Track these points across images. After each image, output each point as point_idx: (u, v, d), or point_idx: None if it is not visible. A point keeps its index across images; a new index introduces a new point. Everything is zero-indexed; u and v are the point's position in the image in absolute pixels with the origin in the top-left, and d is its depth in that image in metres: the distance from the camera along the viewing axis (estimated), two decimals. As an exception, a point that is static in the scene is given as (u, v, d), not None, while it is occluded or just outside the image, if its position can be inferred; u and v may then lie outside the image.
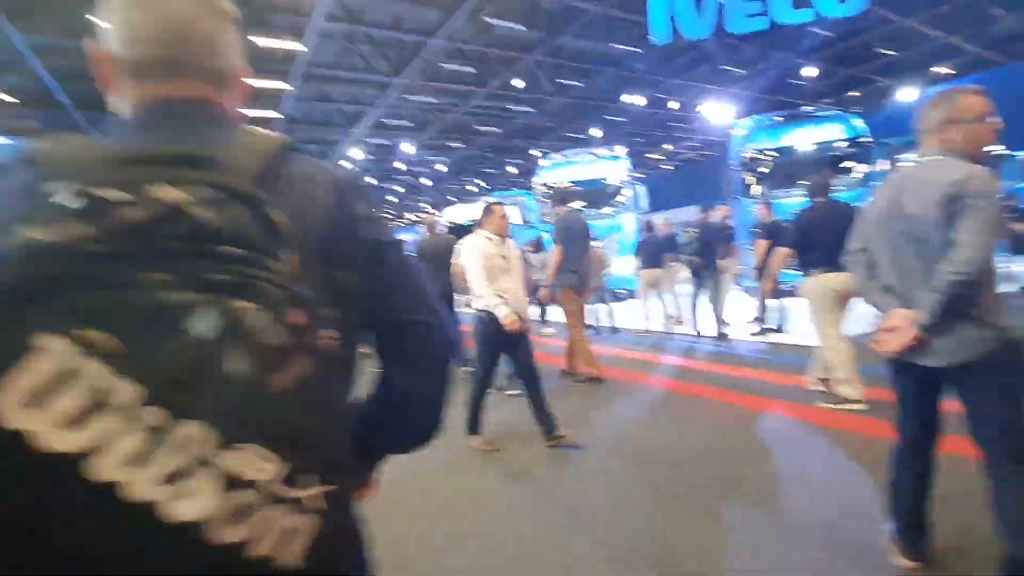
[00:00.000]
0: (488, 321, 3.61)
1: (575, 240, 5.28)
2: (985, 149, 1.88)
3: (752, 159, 10.16)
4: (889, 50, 17.29)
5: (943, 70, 18.83)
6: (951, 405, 1.93)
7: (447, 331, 0.81)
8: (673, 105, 19.75)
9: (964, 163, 1.82)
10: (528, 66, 15.76)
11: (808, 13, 8.07)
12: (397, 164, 25.91)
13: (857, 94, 20.63)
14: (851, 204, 4.38)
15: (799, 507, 2.73)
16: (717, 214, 7.45)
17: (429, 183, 31.37)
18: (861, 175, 9.54)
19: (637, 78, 17.40)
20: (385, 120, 19.17)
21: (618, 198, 11.83)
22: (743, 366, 5.71)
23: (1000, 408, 1.75)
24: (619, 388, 5.22)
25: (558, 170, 12.40)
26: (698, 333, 7.45)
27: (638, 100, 17.62)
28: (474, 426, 3.79)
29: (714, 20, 8.24)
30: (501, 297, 3.59)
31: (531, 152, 24.71)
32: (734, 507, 2.76)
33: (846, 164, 9.75)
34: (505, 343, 3.69)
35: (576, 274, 5.28)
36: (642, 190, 11.70)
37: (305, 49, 12.00)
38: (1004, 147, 12.12)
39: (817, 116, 10.30)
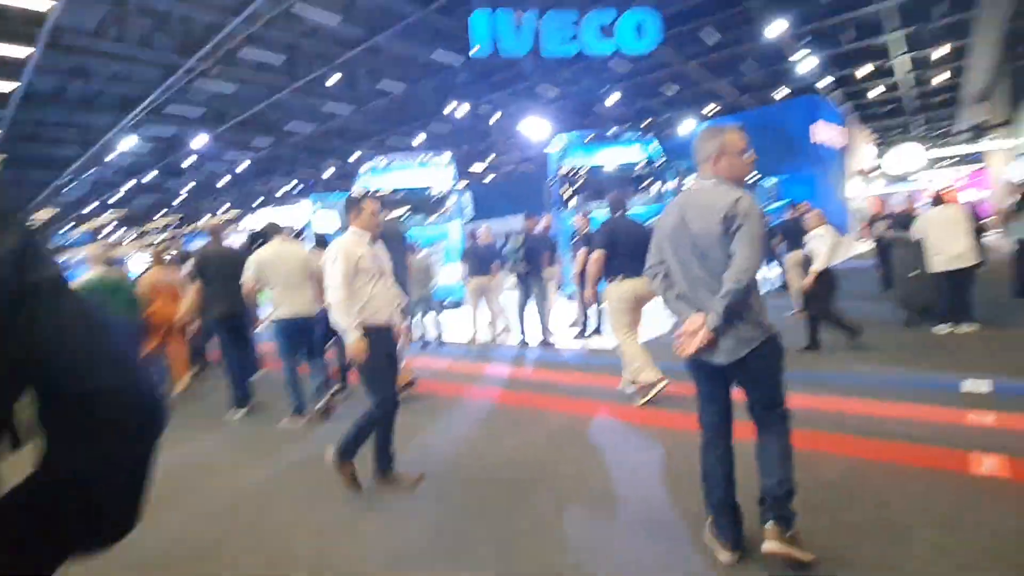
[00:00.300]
0: (376, 339, 3.07)
1: (390, 249, 4.84)
2: (746, 177, 2.29)
3: (568, 173, 10.71)
4: (673, 87, 19.97)
5: (711, 110, 22.40)
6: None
7: (141, 395, 0.66)
8: (494, 117, 20.29)
9: (734, 188, 2.18)
10: (345, 63, 14.79)
11: (611, 45, 8.77)
12: (187, 159, 22.46)
13: (647, 122, 23.55)
14: (642, 220, 4.91)
15: (633, 508, 2.80)
16: (541, 223, 7.59)
17: (226, 183, 27.83)
18: (656, 193, 10.70)
19: (459, 88, 17.52)
20: (171, 108, 16.40)
21: (444, 206, 11.60)
22: (569, 371, 5.76)
23: (769, 388, 2.20)
24: (449, 403, 4.93)
25: (382, 175, 11.74)
26: (525, 341, 7.46)
27: (461, 110, 17.64)
28: (350, 452, 3.13)
29: (531, 41, 8.54)
30: (359, 317, 3.06)
31: (351, 156, 23.39)
32: (570, 515, 2.78)
33: (645, 182, 10.86)
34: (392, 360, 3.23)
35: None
36: (467, 198, 11.59)
37: (53, 2, 9.51)
38: (758, 175, 14.82)
39: (622, 138, 11.28)
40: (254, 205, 31.79)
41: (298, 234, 17.01)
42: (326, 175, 26.66)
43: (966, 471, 2.82)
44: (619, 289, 4.42)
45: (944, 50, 18.12)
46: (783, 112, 16.64)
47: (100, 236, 40.88)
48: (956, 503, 2.53)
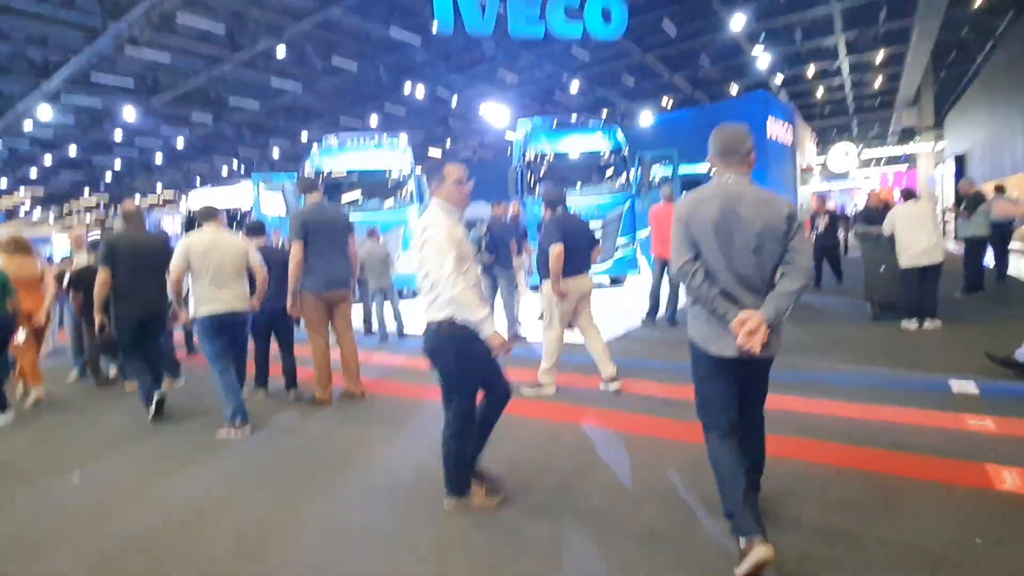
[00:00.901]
0: (469, 336, 2.51)
1: (322, 237, 4.44)
2: None
3: (534, 159, 10.41)
4: (631, 78, 20.02)
5: (666, 102, 22.66)
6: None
7: None
8: (453, 101, 19.72)
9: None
10: (295, 37, 13.91)
11: (578, 28, 8.54)
12: (117, 133, 20.73)
13: (605, 112, 23.60)
14: (605, 209, 4.75)
15: (628, 522, 2.52)
16: (508, 211, 7.22)
17: (163, 161, 25.98)
18: (621, 181, 10.58)
19: (416, 69, 16.89)
20: (96, 76, 14.99)
21: (402, 190, 11.05)
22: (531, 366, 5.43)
23: (766, 384, 2.36)
24: (412, 407, 4.46)
25: (335, 156, 11.04)
26: None
27: (418, 91, 16.99)
28: (461, 483, 2.66)
29: (494, 20, 8.18)
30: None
31: (302, 135, 22.25)
32: (555, 531, 2.45)
33: (608, 171, 10.73)
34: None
35: (325, 278, 4.47)
36: (426, 182, 11.04)
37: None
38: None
39: (587, 125, 11.08)
40: (194, 186, 29.90)
41: (242, 217, 16.03)
42: (274, 155, 25.32)
43: (991, 487, 2.55)
44: (564, 286, 4.38)
45: (883, 55, 19.01)
46: (737, 107, 16.92)
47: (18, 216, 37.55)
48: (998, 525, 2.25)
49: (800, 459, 2.92)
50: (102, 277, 4.34)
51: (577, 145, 10.56)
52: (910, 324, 5.61)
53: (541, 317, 7.42)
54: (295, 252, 4.34)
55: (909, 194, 5.68)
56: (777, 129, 17.16)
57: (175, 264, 4.08)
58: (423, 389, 4.88)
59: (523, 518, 2.58)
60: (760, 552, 1.91)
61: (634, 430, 3.60)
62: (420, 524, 2.62)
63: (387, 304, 7.62)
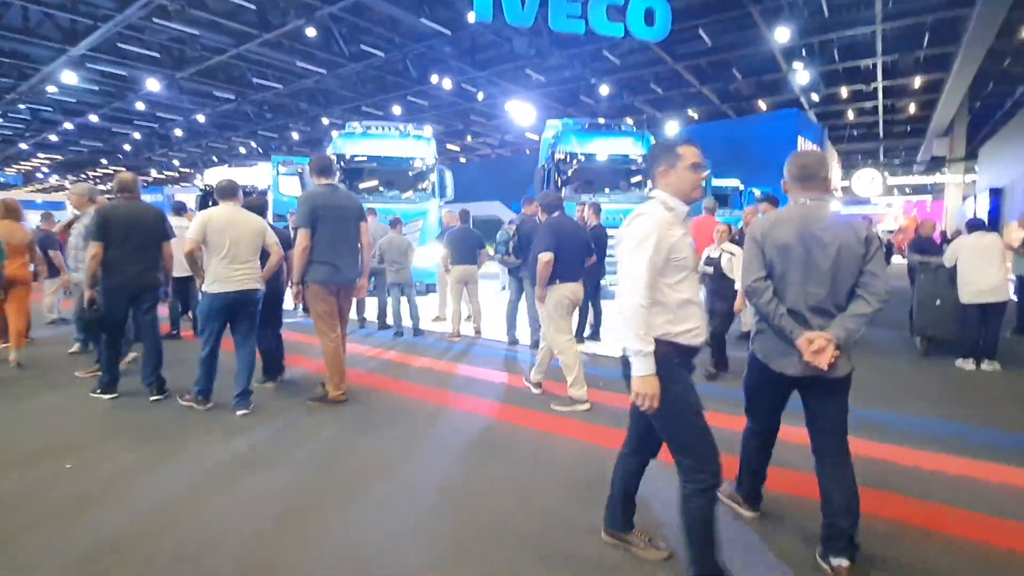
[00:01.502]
0: (682, 367, 2.08)
1: (333, 224, 4.16)
2: None
3: (564, 159, 9.98)
4: (659, 87, 19.66)
5: (695, 114, 22.27)
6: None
7: None
8: (477, 97, 19.42)
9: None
10: (324, 19, 13.64)
11: (619, 28, 8.22)
12: (138, 105, 20.58)
13: (631, 120, 23.22)
14: (575, 221, 4.84)
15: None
16: (540, 209, 6.83)
17: (181, 134, 25.83)
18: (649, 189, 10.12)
19: (443, 61, 16.60)
20: (122, 44, 14.81)
21: (424, 182, 10.73)
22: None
23: (840, 410, 2.27)
24: (433, 416, 4.15)
25: (356, 141, 10.66)
26: (515, 339, 6.63)
27: (442, 84, 16.69)
28: (713, 569, 2.02)
29: (535, 12, 7.90)
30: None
31: (322, 120, 22.01)
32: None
33: (635, 178, 10.38)
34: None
35: (332, 267, 4.17)
36: (449, 176, 10.71)
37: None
38: (741, 184, 14.69)
39: (620, 128, 10.69)
40: (212, 163, 29.81)
41: (259, 195, 15.78)
42: (294, 137, 25.14)
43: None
44: (558, 293, 4.31)
45: (921, 81, 18.55)
46: (768, 123, 16.57)
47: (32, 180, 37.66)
48: None
49: (878, 514, 2.58)
50: (93, 250, 4.12)
51: (609, 148, 10.19)
52: (966, 364, 5.23)
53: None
54: (302, 239, 4.07)
55: (976, 225, 5.25)
56: (808, 148, 16.81)
57: (192, 235, 3.94)
58: (446, 396, 4.63)
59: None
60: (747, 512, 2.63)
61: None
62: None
63: (403, 299, 7.33)
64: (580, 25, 8.07)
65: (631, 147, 10.21)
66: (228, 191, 4.20)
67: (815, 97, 19.50)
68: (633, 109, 21.75)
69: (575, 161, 9.88)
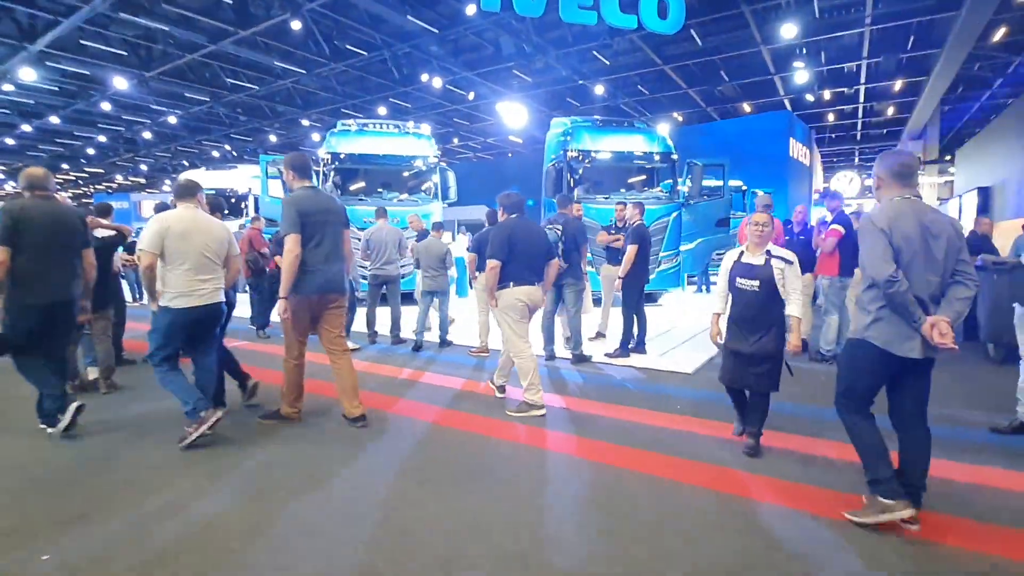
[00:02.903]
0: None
1: (317, 229, 3.70)
2: None
3: (575, 158, 9.45)
4: (645, 89, 19.50)
5: (678, 116, 22.21)
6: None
7: None
8: (468, 97, 18.93)
9: None
10: (304, 16, 12.98)
11: (632, 20, 7.86)
12: (103, 106, 19.45)
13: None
14: (534, 224, 4.50)
15: None
16: (578, 210, 6.26)
17: (149, 137, 24.62)
18: (670, 190, 9.73)
19: (427, 62, 16.07)
20: (85, 41, 13.87)
21: (426, 182, 10.09)
22: (636, 404, 4.43)
23: (928, 384, 2.60)
24: (480, 449, 3.57)
25: (353, 139, 9.97)
26: (552, 354, 6.00)
27: (426, 85, 16.16)
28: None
29: (545, 1, 7.48)
30: None
31: (301, 122, 21.22)
32: None
33: (646, 176, 10.01)
34: None
35: (321, 278, 3.73)
36: (452, 176, 10.12)
37: None
38: (744, 185, 14.51)
39: (632, 126, 10.24)
40: (182, 168, 28.59)
41: (238, 201, 14.97)
42: (271, 140, 24.21)
43: None
44: (511, 295, 4.22)
45: (900, 84, 18.79)
46: (760, 124, 16.49)
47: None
48: None
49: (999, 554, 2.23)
50: (1, 256, 3.45)
51: (623, 146, 9.70)
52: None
53: (598, 335, 6.70)
54: (291, 245, 3.58)
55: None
56: (798, 149, 16.80)
57: (148, 245, 3.40)
58: (489, 425, 4.02)
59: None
60: (906, 510, 2.41)
61: (778, 499, 2.81)
62: None
63: (432, 310, 6.78)
64: (592, 16, 7.68)
65: (648, 145, 9.76)
66: (187, 190, 3.66)
67: (810, 98, 19.57)
68: (619, 111, 21.58)
69: (587, 160, 9.40)
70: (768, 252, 3.36)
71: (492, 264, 4.18)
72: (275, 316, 4.74)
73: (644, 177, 10.12)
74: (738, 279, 3.38)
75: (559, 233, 5.68)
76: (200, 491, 2.93)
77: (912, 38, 15.23)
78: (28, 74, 14.34)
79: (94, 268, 3.98)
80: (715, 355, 5.85)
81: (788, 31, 12.86)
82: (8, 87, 16.50)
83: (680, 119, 22.47)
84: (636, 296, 5.92)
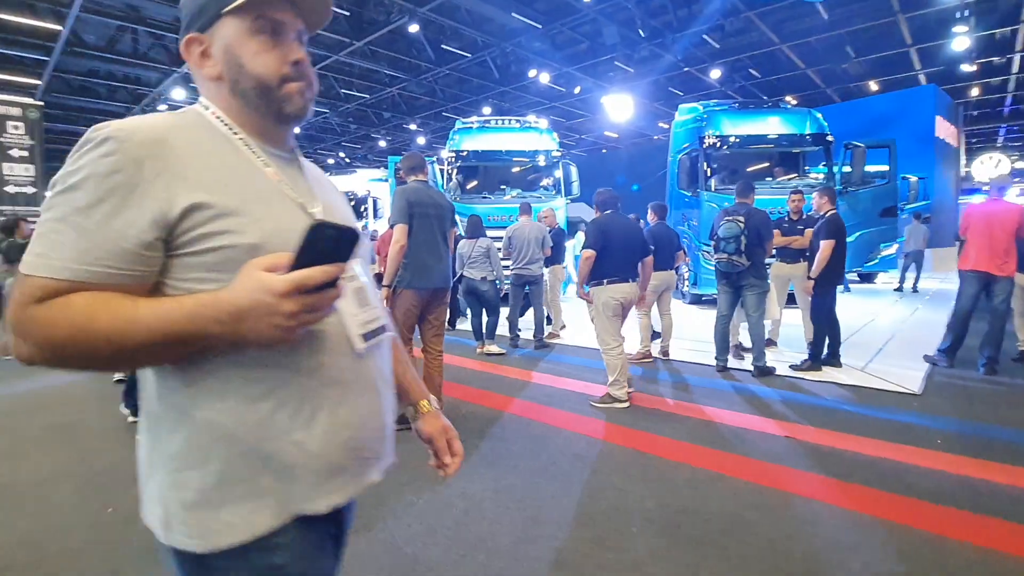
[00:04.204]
0: None
1: (428, 223, 3.74)
2: None
3: (713, 146, 8.68)
4: (757, 72, 18.30)
5: (798, 96, 20.60)
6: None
7: None
8: (575, 91, 18.82)
9: None
10: (418, 20, 13.43)
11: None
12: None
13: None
14: (630, 220, 4.51)
15: None
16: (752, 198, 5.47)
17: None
18: (825, 173, 8.87)
19: (528, 59, 16.10)
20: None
21: (548, 178, 9.92)
22: (871, 434, 3.61)
23: None
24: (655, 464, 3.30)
25: (476, 136, 9.87)
26: (724, 366, 5.43)
27: (541, 79, 16.19)
28: None
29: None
30: None
31: (409, 126, 22.11)
32: None
33: (795, 161, 9.26)
34: None
35: (432, 273, 3.74)
36: (575, 171, 9.91)
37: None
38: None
39: (777, 107, 9.46)
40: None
41: (357, 204, 15.81)
42: (382, 145, 25.44)
43: None
44: (606, 293, 4.28)
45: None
46: (903, 100, 14.75)
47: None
48: None
49: None
50: None
51: (769, 130, 8.88)
52: None
53: (768, 343, 6.02)
54: (399, 236, 3.62)
55: None
56: (945, 129, 14.96)
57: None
58: (686, 450, 3.58)
59: None
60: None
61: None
62: None
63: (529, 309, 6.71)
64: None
65: (795, 125, 8.87)
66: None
67: (964, 68, 17.33)
68: (727, 97, 20.41)
69: (727, 147, 8.71)
70: None
71: (587, 254, 4.29)
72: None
73: (790, 163, 9.27)
74: None
75: (741, 226, 5.05)
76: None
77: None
78: (179, 93, 16.03)
79: None
80: (930, 370, 5.13)
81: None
82: (163, 107, 18.62)
83: (794, 102, 20.87)
84: (832, 300, 5.25)
